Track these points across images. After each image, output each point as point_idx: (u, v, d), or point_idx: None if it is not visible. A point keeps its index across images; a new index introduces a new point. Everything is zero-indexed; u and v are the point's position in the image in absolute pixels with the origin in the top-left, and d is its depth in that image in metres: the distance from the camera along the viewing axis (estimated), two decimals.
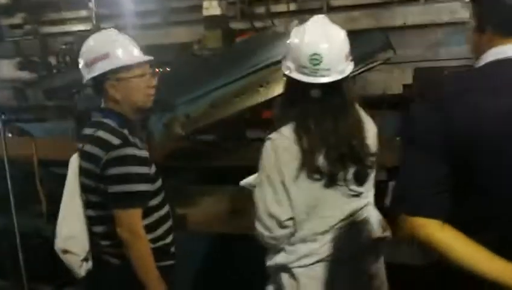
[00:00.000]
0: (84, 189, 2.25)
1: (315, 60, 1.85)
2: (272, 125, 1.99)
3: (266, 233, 1.92)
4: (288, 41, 1.97)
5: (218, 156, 4.15)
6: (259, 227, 1.94)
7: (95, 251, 2.31)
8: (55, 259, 3.47)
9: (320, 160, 1.87)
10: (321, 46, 1.86)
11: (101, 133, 2.18)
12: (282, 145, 1.89)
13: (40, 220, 3.76)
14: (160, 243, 2.27)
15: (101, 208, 2.21)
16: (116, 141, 2.13)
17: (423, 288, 2.10)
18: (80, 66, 2.22)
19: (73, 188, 2.26)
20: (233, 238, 3.21)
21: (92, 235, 2.29)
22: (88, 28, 7.35)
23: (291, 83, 1.95)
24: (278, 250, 1.97)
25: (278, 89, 3.34)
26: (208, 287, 3.23)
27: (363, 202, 1.98)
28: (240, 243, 3.17)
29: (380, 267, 2.02)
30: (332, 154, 1.87)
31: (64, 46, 6.60)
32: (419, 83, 6.01)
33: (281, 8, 7.15)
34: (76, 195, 2.27)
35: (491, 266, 1.32)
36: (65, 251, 2.28)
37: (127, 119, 2.23)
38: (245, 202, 3.33)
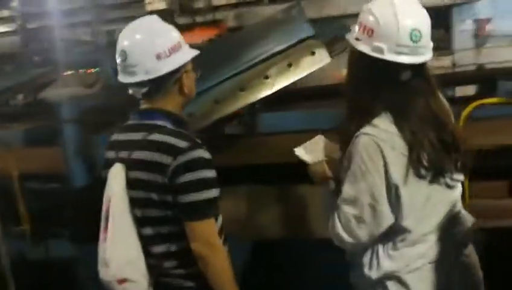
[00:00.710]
0: (140, 204, 1.93)
1: (416, 36, 1.70)
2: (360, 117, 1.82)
3: (349, 240, 1.78)
4: (370, 19, 1.76)
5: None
6: (341, 232, 1.78)
7: (156, 275, 1.97)
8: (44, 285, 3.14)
9: (427, 152, 1.73)
10: (420, 21, 1.74)
11: (160, 137, 1.89)
12: (388, 142, 1.72)
13: (23, 242, 3.35)
14: None
15: (164, 224, 1.92)
16: (183, 143, 1.85)
17: None
18: (145, 60, 1.90)
19: (122, 205, 1.94)
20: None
21: (151, 258, 1.99)
22: (12, 28, 6.79)
23: (376, 66, 1.75)
24: (378, 259, 1.82)
25: (284, 80, 3.20)
26: None
27: (459, 192, 1.89)
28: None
29: (475, 258, 1.95)
30: (436, 144, 1.74)
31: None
32: None
33: (222, 1, 7.07)
34: (125, 213, 1.95)
35: None
36: (123, 280, 1.90)
37: (179, 118, 2.00)
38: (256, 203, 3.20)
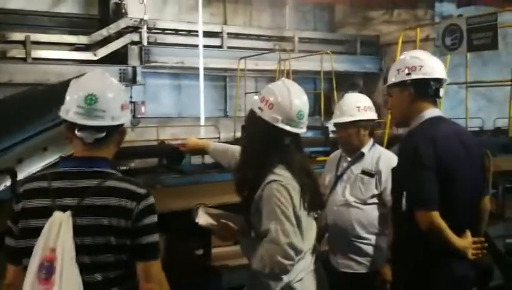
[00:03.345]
0: (92, 250, 1.88)
1: (301, 114, 2.36)
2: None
3: (288, 262, 2.20)
4: (271, 97, 2.34)
5: None
6: (280, 259, 2.19)
7: None
8: None
9: (309, 192, 2.33)
10: (304, 104, 2.40)
11: (117, 183, 1.94)
12: (290, 185, 2.25)
13: None
14: None
15: (115, 268, 1.92)
16: (141, 190, 1.98)
17: None
18: (114, 107, 1.94)
19: (71, 254, 1.84)
20: None
21: None
22: None
23: (269, 130, 2.31)
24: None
25: None
26: None
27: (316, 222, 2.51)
28: None
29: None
30: (311, 187, 2.36)
31: None
32: None
33: None
34: (73, 262, 1.86)
35: (457, 240, 2.24)
36: None
37: (116, 166, 2.11)
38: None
